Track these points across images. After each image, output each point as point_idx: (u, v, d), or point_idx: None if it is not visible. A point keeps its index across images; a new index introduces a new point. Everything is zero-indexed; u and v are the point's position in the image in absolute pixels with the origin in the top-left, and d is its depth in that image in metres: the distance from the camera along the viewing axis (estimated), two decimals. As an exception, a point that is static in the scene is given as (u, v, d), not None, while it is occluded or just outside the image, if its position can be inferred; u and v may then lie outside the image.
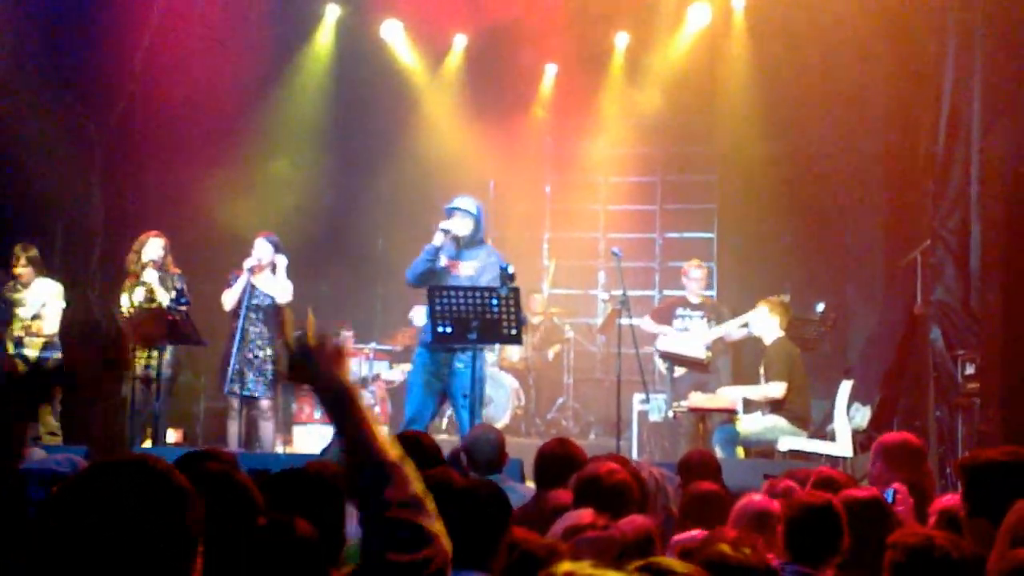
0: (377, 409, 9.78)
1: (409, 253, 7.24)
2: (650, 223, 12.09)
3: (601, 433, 10.37)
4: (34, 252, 7.88)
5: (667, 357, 8.90)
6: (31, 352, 7.63)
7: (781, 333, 7.87)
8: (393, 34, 11.35)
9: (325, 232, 10.60)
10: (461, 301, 6.55)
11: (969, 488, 3.13)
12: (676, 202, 12.03)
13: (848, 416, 7.56)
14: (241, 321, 7.70)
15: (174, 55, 9.20)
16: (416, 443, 3.86)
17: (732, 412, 7.79)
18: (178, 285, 7.68)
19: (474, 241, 7.19)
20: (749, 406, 7.97)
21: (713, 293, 10.89)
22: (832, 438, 7.57)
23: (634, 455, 9.10)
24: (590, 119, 11.65)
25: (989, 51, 7.50)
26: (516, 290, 6.57)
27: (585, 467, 3.77)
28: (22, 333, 7.66)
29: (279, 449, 8.52)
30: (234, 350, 7.67)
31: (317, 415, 9.33)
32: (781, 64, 10.38)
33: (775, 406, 7.68)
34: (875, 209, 10.21)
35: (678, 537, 3.28)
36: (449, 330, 6.61)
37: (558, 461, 4.22)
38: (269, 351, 7.87)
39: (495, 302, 6.52)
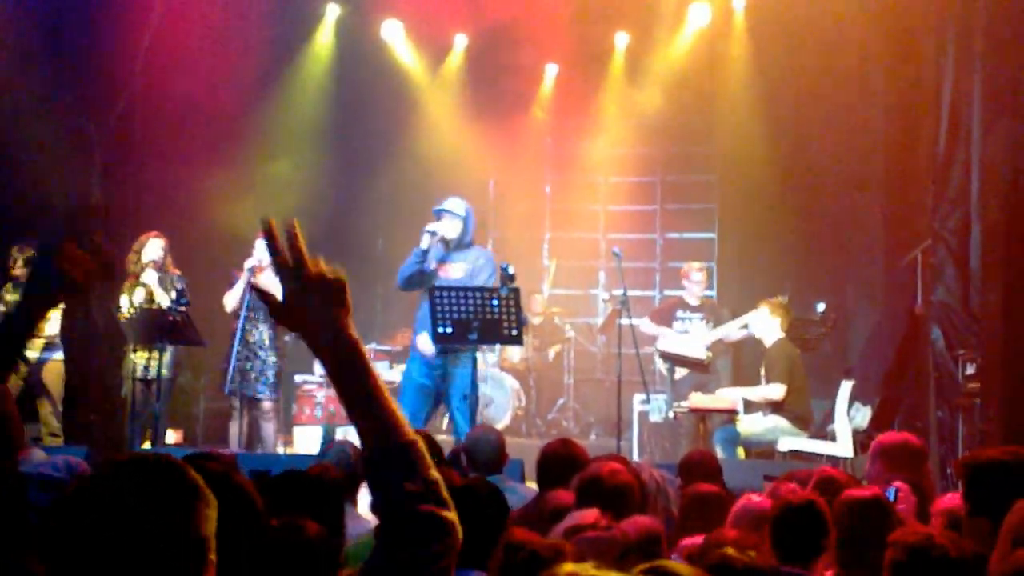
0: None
1: (409, 253, 7.25)
2: (650, 223, 12.09)
3: (602, 433, 10.37)
4: (31, 253, 7.88)
5: (667, 358, 8.89)
6: (32, 353, 7.62)
7: (782, 334, 7.86)
8: (393, 34, 11.35)
9: (325, 232, 10.54)
10: (462, 302, 6.55)
11: (970, 487, 3.13)
12: (676, 202, 12.03)
13: (849, 416, 7.56)
14: (242, 321, 7.70)
15: (174, 55, 9.19)
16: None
17: (733, 413, 7.79)
18: (178, 286, 7.67)
19: (463, 243, 7.20)
20: (750, 407, 7.97)
21: (713, 293, 10.88)
22: (833, 438, 7.56)
23: (635, 456, 9.09)
24: (590, 119, 11.64)
25: (989, 51, 7.49)
26: (516, 290, 6.58)
27: (587, 468, 3.77)
28: (23, 334, 7.64)
29: (280, 450, 8.52)
30: (235, 350, 7.68)
31: (318, 415, 9.32)
32: (781, 64, 10.38)
33: (776, 407, 7.68)
34: (875, 209, 10.21)
35: (686, 541, 3.28)
36: (450, 331, 6.61)
37: (561, 461, 4.22)
38: (271, 352, 7.88)
39: (495, 303, 6.52)
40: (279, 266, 1.67)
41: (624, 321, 8.00)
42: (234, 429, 7.92)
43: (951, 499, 3.55)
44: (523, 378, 10.52)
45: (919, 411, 8.25)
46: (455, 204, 7.21)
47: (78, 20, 8.49)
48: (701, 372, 8.78)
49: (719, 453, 7.37)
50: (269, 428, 8.00)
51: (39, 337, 7.66)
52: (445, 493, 1.63)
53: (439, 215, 7.18)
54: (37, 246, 7.70)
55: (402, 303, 9.87)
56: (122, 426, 8.02)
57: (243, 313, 7.72)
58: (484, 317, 6.52)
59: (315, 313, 1.66)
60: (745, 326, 8.41)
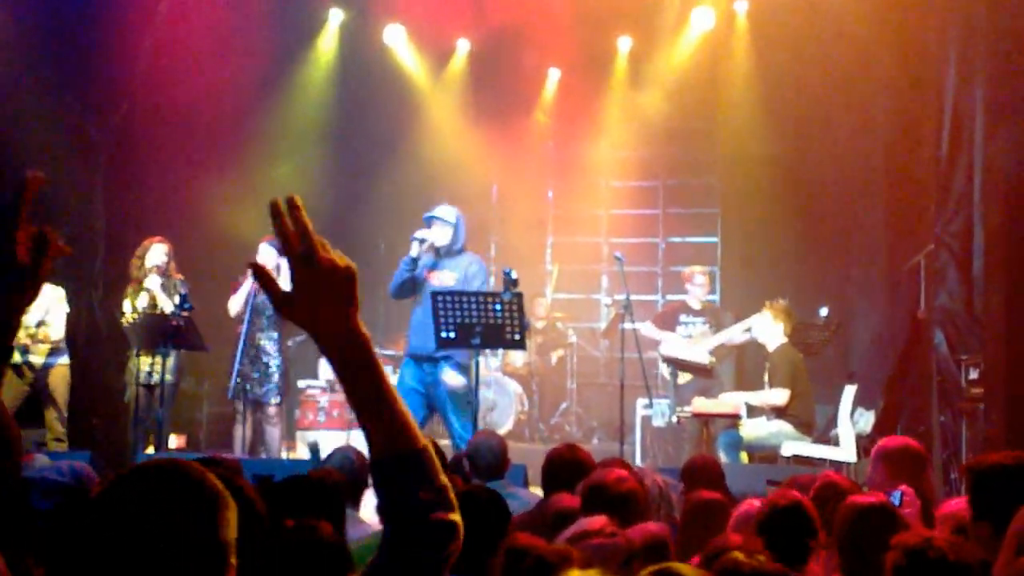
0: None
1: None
2: (653, 227, 12.09)
3: (604, 438, 10.36)
4: None
5: (671, 363, 8.89)
6: (37, 359, 7.61)
7: (784, 339, 7.86)
8: (396, 39, 11.36)
9: (327, 236, 10.36)
10: (464, 306, 6.56)
11: (975, 492, 3.12)
12: (679, 206, 12.04)
13: (852, 421, 7.55)
14: (246, 326, 7.71)
15: (177, 59, 9.20)
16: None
17: (736, 417, 7.78)
18: (181, 291, 7.68)
19: (453, 250, 7.20)
20: (753, 411, 7.96)
21: (716, 298, 10.89)
22: (836, 443, 7.56)
23: (637, 460, 9.09)
24: (593, 123, 11.65)
25: (991, 56, 7.49)
26: (519, 295, 6.58)
27: (592, 474, 3.76)
28: (28, 340, 7.64)
29: (283, 455, 8.52)
30: (238, 355, 7.69)
31: (321, 419, 9.32)
32: (784, 68, 10.39)
33: (779, 411, 7.67)
34: (878, 214, 10.21)
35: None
36: (453, 335, 6.61)
37: (567, 466, 4.22)
38: (276, 357, 7.89)
39: (498, 307, 6.52)
40: (288, 250, 1.54)
41: (627, 325, 8.00)
42: (238, 433, 7.93)
43: (956, 504, 3.54)
44: (526, 383, 10.52)
45: (922, 416, 8.25)
46: (445, 211, 7.23)
47: (81, 23, 8.49)
48: (704, 377, 8.78)
49: (722, 457, 7.37)
50: (274, 433, 8.01)
51: (45, 343, 7.65)
52: (453, 497, 1.62)
53: (429, 222, 7.21)
54: None
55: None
56: (125, 431, 8.02)
57: (247, 317, 7.73)
58: (487, 321, 6.53)
59: (324, 305, 1.55)
60: (748, 329, 8.40)
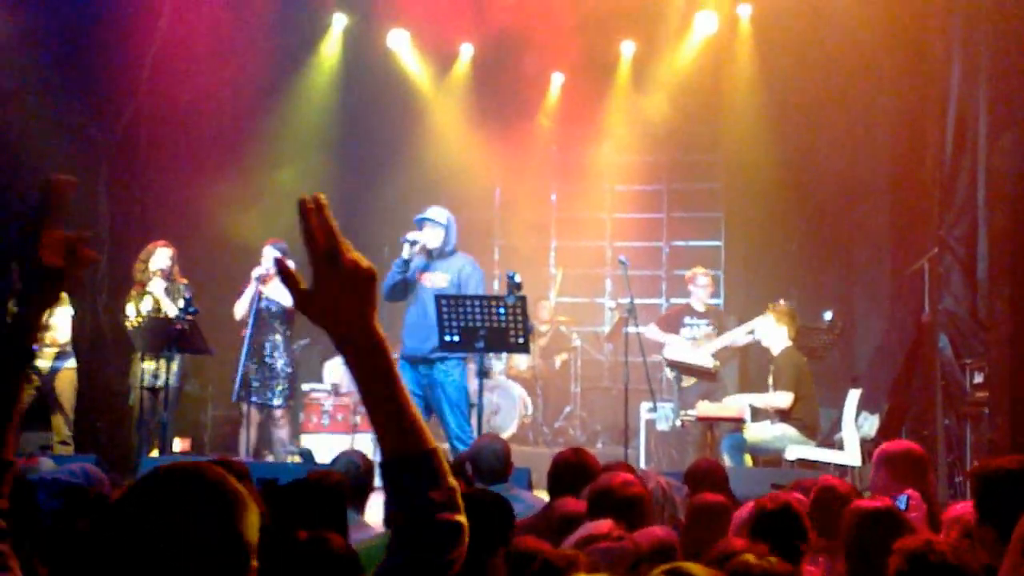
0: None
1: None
2: (657, 231, 12.09)
3: (608, 442, 10.35)
4: None
5: (674, 366, 8.89)
6: (44, 363, 7.61)
7: (789, 343, 7.85)
8: (400, 43, 11.38)
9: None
10: (468, 310, 6.56)
11: (980, 497, 3.12)
12: (683, 210, 12.03)
13: (856, 425, 7.55)
14: (250, 329, 7.72)
15: (181, 64, 9.22)
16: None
17: (740, 421, 7.78)
18: (185, 294, 7.70)
19: (445, 252, 7.22)
20: (757, 415, 7.96)
21: (720, 302, 10.88)
22: (840, 447, 7.55)
23: (642, 464, 9.08)
24: (596, 127, 11.66)
25: (995, 61, 7.49)
26: (523, 298, 6.59)
27: (598, 478, 3.76)
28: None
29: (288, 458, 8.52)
30: (242, 358, 7.69)
31: (325, 423, 9.33)
32: (787, 72, 10.39)
33: (783, 415, 7.67)
34: (882, 217, 10.21)
35: None
36: (456, 339, 6.62)
37: (572, 470, 4.22)
38: (283, 359, 7.90)
39: (502, 311, 6.53)
40: (313, 248, 1.55)
41: (631, 329, 8.00)
42: (242, 437, 7.94)
43: (963, 507, 3.54)
44: (530, 386, 10.52)
45: (926, 420, 8.24)
46: (436, 213, 7.26)
47: (84, 28, 8.51)
48: (708, 380, 8.78)
49: (726, 461, 7.37)
50: (280, 435, 8.02)
51: (51, 347, 7.65)
52: (460, 499, 1.63)
53: (420, 224, 7.23)
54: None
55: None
56: (129, 434, 8.03)
57: (251, 321, 7.74)
58: (491, 325, 6.54)
59: (345, 304, 1.56)
60: (751, 332, 8.40)
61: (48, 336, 7.63)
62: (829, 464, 7.33)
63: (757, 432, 7.70)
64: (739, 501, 4.14)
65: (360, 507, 4.37)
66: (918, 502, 3.74)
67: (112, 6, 8.78)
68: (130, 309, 7.84)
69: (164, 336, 7.41)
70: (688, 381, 8.91)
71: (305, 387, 9.46)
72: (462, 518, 1.61)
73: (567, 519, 3.46)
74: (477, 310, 6.55)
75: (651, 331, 9.09)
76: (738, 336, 8.67)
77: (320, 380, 9.73)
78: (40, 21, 8.34)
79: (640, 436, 9.54)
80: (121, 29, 8.73)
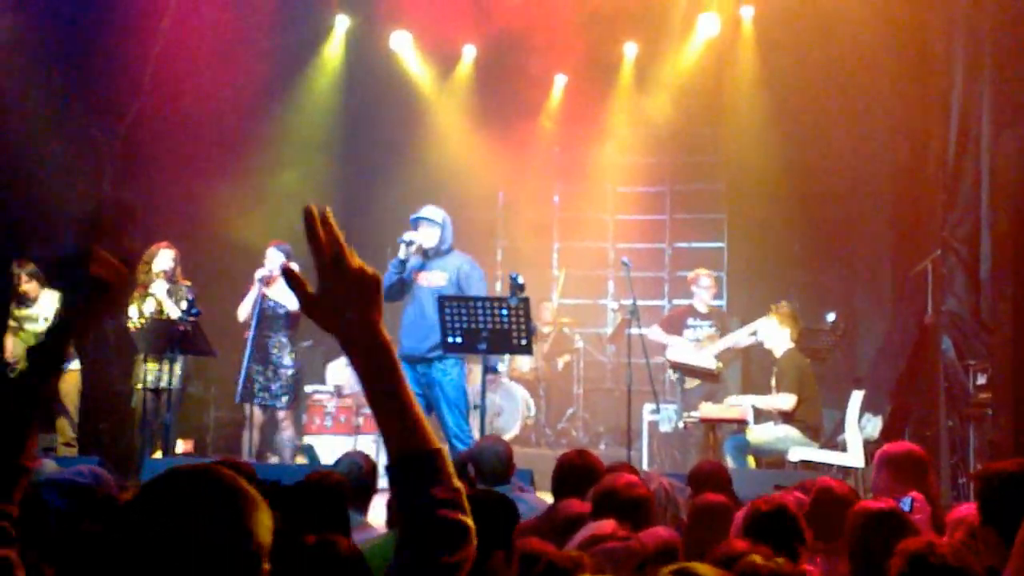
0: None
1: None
2: (659, 233, 12.09)
3: (611, 443, 10.35)
4: (32, 266, 7.90)
5: (677, 368, 8.89)
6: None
7: (791, 345, 7.85)
8: (402, 45, 11.39)
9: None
10: (471, 311, 6.56)
11: (984, 499, 3.12)
12: (685, 212, 12.03)
13: (859, 426, 7.54)
14: (253, 331, 7.73)
15: (184, 66, 9.23)
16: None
17: (743, 422, 7.77)
18: (188, 296, 7.70)
19: (441, 251, 7.23)
20: (760, 416, 7.95)
21: (723, 303, 10.87)
22: (843, 448, 7.54)
23: (644, 465, 9.08)
24: (599, 129, 11.66)
25: (997, 61, 7.49)
26: (526, 300, 6.58)
27: (602, 480, 3.76)
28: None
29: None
30: (246, 360, 7.70)
31: (328, 425, 9.33)
32: (790, 73, 10.39)
33: (786, 417, 7.66)
34: (885, 219, 10.20)
35: None
36: (459, 340, 6.62)
37: (576, 472, 4.22)
38: (286, 361, 7.90)
39: (505, 312, 6.53)
40: (318, 254, 1.59)
41: (634, 330, 8.00)
42: (246, 438, 7.94)
43: (968, 508, 3.54)
44: (533, 388, 10.52)
45: (930, 421, 8.23)
46: (432, 212, 7.27)
47: (88, 31, 8.52)
48: (711, 382, 8.77)
49: (729, 462, 7.36)
50: (284, 436, 8.02)
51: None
52: (465, 501, 1.64)
53: (416, 224, 7.23)
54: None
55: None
56: (132, 436, 8.03)
57: (254, 323, 7.75)
58: (493, 327, 6.54)
59: (350, 308, 1.59)
60: (754, 333, 8.40)
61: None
62: (832, 466, 7.32)
63: (760, 434, 7.69)
64: (742, 502, 4.14)
65: (363, 508, 4.37)
66: (922, 504, 3.73)
67: (115, 7, 8.79)
68: (133, 311, 7.84)
69: (167, 338, 7.42)
70: (691, 383, 8.91)
71: (308, 389, 9.47)
72: (467, 519, 1.62)
73: (572, 520, 3.46)
74: (480, 312, 6.55)
75: (654, 332, 9.09)
76: (741, 338, 8.67)
77: (323, 382, 9.73)
78: (43, 22, 8.35)
79: (643, 437, 9.54)
80: (124, 30, 8.74)
